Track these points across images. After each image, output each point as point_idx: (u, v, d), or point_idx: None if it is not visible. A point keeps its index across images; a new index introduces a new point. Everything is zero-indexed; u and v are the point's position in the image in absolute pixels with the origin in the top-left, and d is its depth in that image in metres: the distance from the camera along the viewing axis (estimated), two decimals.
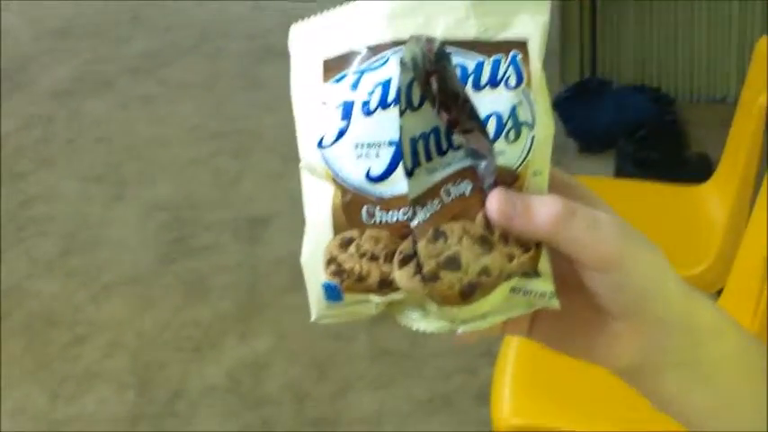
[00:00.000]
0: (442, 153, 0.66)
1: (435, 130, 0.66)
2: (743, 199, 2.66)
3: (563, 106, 4.51)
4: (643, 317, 0.69)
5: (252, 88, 5.19)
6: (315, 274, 0.68)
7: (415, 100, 0.66)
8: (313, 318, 0.69)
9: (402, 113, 0.66)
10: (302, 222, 0.69)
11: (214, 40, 5.75)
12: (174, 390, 3.27)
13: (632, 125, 4.28)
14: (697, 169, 3.62)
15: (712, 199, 2.93)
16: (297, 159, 0.69)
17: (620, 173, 4.12)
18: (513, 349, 2.41)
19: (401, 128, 0.66)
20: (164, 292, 3.70)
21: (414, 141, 0.66)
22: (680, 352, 0.71)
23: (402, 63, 0.66)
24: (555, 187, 0.69)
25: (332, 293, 0.68)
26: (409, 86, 0.66)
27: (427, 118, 0.66)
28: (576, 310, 0.70)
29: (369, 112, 0.67)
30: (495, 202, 0.65)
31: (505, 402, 2.32)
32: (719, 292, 2.46)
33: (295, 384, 3.26)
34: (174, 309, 3.61)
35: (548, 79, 0.68)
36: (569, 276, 0.68)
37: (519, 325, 0.72)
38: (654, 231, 2.95)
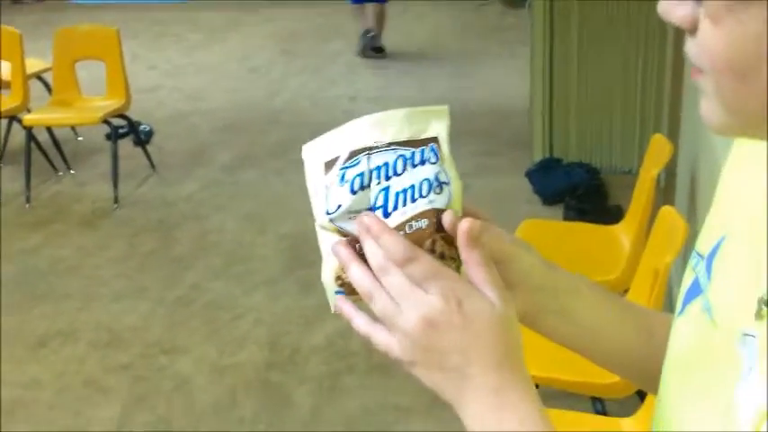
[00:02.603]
0: (414, 201, 0.69)
1: (411, 187, 0.69)
2: (641, 235, 2.68)
3: (532, 175, 4.53)
4: (525, 286, 0.74)
5: None
6: (330, 286, 0.72)
7: (399, 169, 0.69)
8: (332, 311, 0.72)
9: (389, 178, 0.69)
10: None
11: (323, 133, 5.76)
12: (294, 348, 3.31)
13: (574, 187, 4.28)
14: (614, 216, 3.63)
15: (622, 234, 2.95)
16: None
17: (566, 218, 4.11)
18: None
19: (389, 187, 0.69)
20: (288, 288, 3.74)
21: (397, 193, 0.69)
22: (548, 304, 0.75)
23: (375, 153, 0.70)
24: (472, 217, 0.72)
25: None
26: (395, 162, 0.69)
27: (406, 179, 0.69)
28: None
29: (353, 192, 0.69)
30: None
31: None
32: (626, 291, 2.48)
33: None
34: (295, 298, 3.65)
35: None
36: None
37: None
38: (585, 253, 2.95)
